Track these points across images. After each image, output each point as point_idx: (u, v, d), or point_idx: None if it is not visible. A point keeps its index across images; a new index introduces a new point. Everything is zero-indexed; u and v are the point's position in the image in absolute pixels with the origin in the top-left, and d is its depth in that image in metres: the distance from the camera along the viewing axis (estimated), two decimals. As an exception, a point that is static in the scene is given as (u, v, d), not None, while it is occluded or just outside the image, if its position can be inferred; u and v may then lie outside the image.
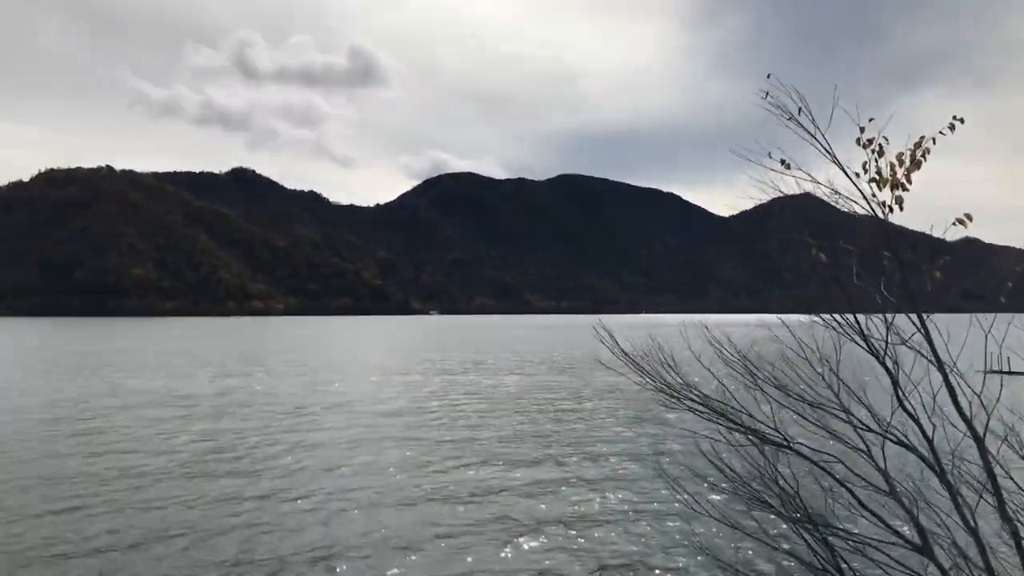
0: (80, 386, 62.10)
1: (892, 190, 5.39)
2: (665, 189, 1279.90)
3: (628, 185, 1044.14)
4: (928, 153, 5.38)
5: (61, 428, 40.70)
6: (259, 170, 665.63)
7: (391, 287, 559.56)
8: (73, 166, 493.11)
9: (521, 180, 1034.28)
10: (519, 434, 33.22)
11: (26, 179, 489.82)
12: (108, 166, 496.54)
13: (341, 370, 74.94)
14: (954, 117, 5.48)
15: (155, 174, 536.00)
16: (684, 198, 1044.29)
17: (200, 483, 26.20)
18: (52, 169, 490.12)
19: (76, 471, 29.57)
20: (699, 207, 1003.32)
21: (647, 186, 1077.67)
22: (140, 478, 28.20)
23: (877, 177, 5.49)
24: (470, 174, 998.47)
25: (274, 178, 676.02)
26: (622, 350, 6.61)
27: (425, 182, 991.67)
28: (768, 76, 5.66)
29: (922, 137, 5.43)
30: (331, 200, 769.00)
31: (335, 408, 44.03)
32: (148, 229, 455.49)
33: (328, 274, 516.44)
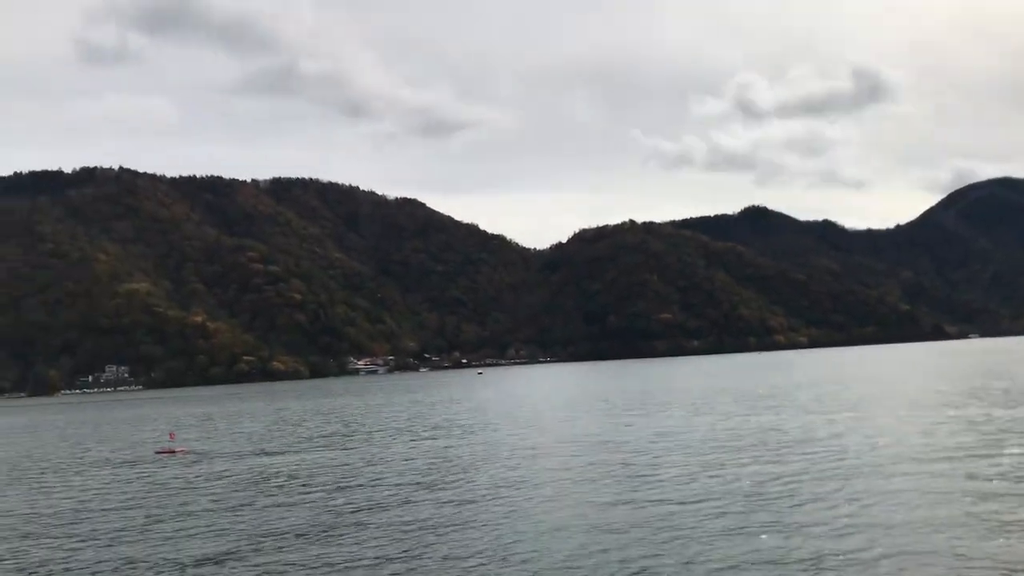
0: (615, 423, 68.64)
1: None
2: None
3: None
4: None
5: (604, 460, 45.71)
6: (770, 206, 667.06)
7: (920, 311, 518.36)
8: (601, 224, 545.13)
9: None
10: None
11: (564, 240, 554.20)
12: (631, 220, 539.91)
13: (888, 404, 71.57)
14: None
15: (672, 222, 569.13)
16: None
17: (742, 538, 27.97)
18: (584, 229, 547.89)
19: (621, 513, 33.22)
20: None
21: None
22: (691, 515, 30.73)
23: None
24: (1004, 179, 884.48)
25: (785, 211, 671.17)
26: None
27: (950, 195, 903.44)
28: None
29: None
30: (846, 227, 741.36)
31: (898, 452, 42.42)
32: (670, 274, 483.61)
33: (851, 302, 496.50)
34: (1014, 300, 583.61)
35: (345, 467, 50.37)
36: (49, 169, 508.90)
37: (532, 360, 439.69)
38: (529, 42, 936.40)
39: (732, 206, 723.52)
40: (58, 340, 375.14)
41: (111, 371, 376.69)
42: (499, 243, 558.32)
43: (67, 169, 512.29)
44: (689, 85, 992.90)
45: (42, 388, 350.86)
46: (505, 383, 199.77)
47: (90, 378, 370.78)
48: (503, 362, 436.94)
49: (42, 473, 58.08)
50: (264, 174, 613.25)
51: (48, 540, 33.32)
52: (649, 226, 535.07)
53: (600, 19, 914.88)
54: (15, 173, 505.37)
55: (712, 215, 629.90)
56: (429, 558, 25.99)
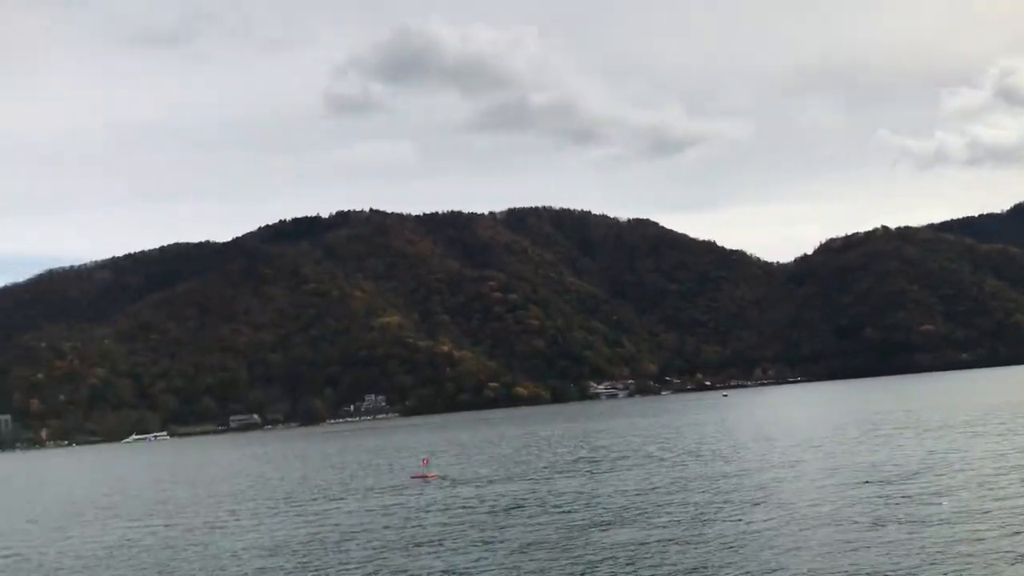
0: (884, 449, 61.54)
1: None
2: None
3: None
4: None
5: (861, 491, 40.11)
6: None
7: None
8: (850, 232, 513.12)
9: None
10: None
11: (809, 252, 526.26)
12: (883, 226, 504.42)
13: None
14: None
15: (930, 226, 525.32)
16: None
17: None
18: (831, 238, 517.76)
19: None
20: None
21: None
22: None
23: None
24: None
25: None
26: None
27: None
28: None
29: None
30: None
31: None
32: (931, 282, 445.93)
33: None
34: None
35: (593, 495, 48.16)
36: (308, 215, 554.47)
37: (780, 380, 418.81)
38: (757, 49, 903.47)
39: (1000, 204, 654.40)
40: (322, 374, 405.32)
41: (370, 400, 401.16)
42: (738, 258, 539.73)
43: (324, 214, 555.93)
44: (938, 77, 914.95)
45: (310, 418, 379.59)
46: (757, 405, 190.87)
47: (351, 407, 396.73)
48: (749, 383, 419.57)
49: (313, 498, 60.58)
50: (500, 205, 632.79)
51: (308, 559, 33.61)
52: (904, 231, 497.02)
53: (830, 18, 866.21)
54: (280, 221, 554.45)
55: (976, 215, 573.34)
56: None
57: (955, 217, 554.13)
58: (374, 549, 36.05)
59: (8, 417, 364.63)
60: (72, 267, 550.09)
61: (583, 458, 75.13)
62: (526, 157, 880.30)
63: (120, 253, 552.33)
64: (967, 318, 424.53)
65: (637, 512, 40.18)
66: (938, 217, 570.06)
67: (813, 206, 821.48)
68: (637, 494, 46.70)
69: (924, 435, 68.79)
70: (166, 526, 51.37)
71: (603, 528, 36.56)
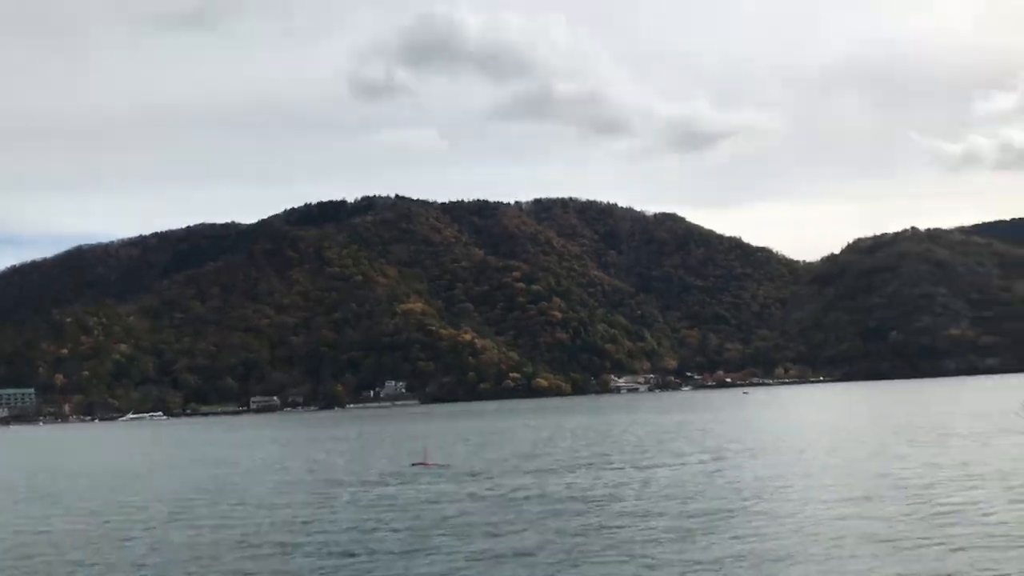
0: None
1: None
2: None
3: None
4: None
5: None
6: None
7: None
8: (878, 233, 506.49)
9: None
10: None
11: (837, 252, 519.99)
12: (912, 227, 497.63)
13: None
14: None
15: (960, 228, 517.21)
16: None
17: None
18: (859, 239, 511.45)
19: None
20: None
21: None
22: None
23: None
24: None
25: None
26: None
27: None
28: None
29: None
30: None
31: None
32: (961, 285, 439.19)
33: None
34: None
35: (592, 490, 47.36)
36: (334, 199, 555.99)
37: (802, 379, 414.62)
38: (790, 44, 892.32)
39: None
40: (343, 358, 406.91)
41: (390, 386, 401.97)
42: (764, 256, 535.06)
43: (350, 199, 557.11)
44: (971, 79, 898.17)
45: (330, 402, 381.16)
46: (777, 404, 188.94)
47: (371, 392, 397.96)
48: (769, 381, 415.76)
49: (327, 484, 60.25)
50: (526, 195, 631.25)
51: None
52: (933, 233, 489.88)
53: (866, 16, 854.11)
54: (305, 204, 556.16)
55: (1008, 219, 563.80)
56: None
57: (985, 220, 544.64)
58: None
59: (32, 391, 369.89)
60: (99, 244, 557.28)
61: (593, 453, 74.28)
62: (552, 147, 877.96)
63: (147, 232, 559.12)
64: (995, 323, 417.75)
65: (634, 513, 39.36)
66: (968, 220, 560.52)
67: (841, 205, 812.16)
68: (637, 497, 45.88)
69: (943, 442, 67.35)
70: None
71: (587, 530, 35.78)
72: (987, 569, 24.90)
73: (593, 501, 43.04)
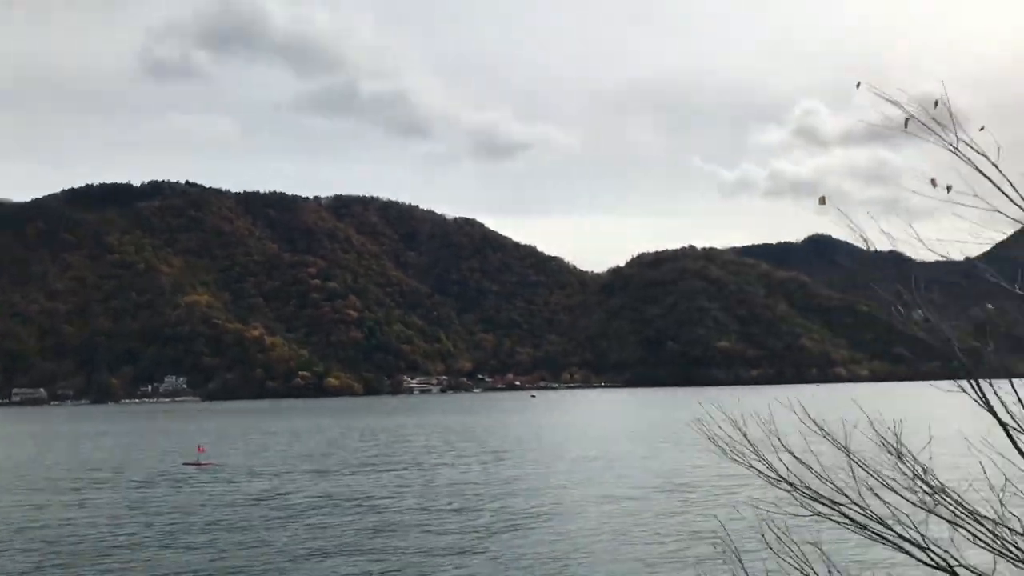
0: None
1: None
2: None
3: None
4: None
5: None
6: (835, 235, 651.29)
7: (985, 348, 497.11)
8: (660, 249, 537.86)
9: None
10: None
11: (622, 264, 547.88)
12: (691, 245, 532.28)
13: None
14: None
15: (733, 249, 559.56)
16: None
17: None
18: (643, 253, 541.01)
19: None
20: None
21: None
22: None
23: None
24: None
25: (851, 241, 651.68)
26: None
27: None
28: None
29: None
30: (914, 258, 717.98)
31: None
32: (730, 302, 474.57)
33: (916, 336, 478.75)
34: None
35: (372, 491, 48.21)
36: (119, 182, 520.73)
37: (586, 384, 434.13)
38: (592, 64, 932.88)
39: (796, 234, 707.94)
40: (121, 349, 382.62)
41: (170, 381, 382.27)
42: (556, 265, 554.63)
43: (136, 183, 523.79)
44: (749, 112, 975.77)
45: (104, 396, 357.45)
46: (560, 408, 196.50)
47: (150, 387, 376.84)
48: (556, 385, 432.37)
49: (87, 484, 57.18)
50: (326, 191, 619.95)
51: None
52: (709, 252, 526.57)
53: (663, 43, 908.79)
54: (87, 185, 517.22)
55: (774, 243, 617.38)
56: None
57: (755, 243, 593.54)
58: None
59: None
60: None
61: (379, 454, 74.93)
62: (355, 145, 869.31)
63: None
64: (759, 338, 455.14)
65: (417, 517, 40.52)
66: (740, 242, 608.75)
67: (629, 220, 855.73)
68: (418, 496, 47.11)
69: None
70: None
71: (357, 531, 36.62)
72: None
73: (370, 502, 43.91)
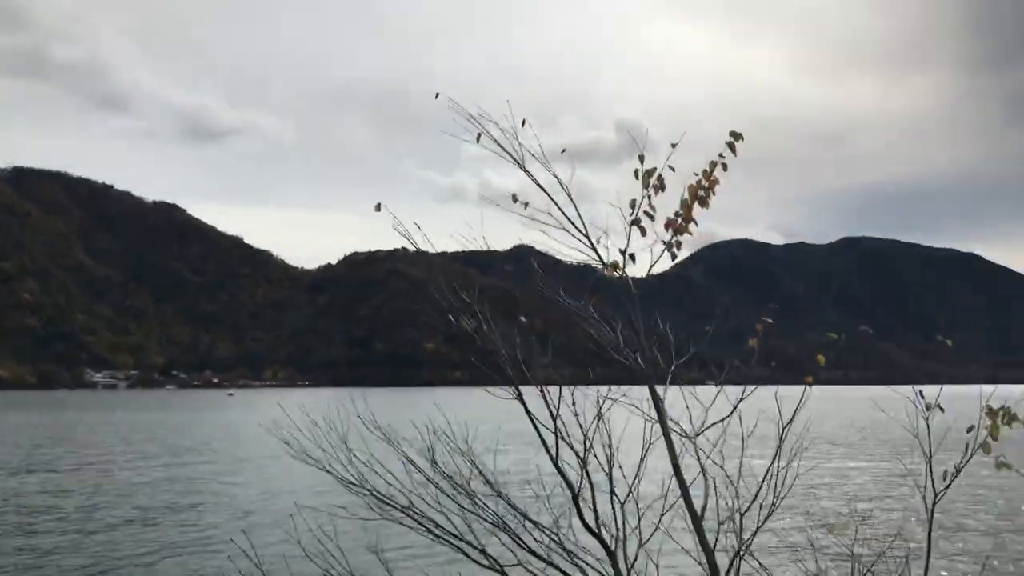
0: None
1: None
2: (963, 249, 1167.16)
3: (921, 246, 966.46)
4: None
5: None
6: (538, 246, 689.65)
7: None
8: (373, 248, 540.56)
9: (800, 244, 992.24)
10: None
11: (333, 262, 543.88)
12: (404, 247, 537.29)
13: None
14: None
15: (444, 254, 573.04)
16: (986, 258, 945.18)
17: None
18: (355, 252, 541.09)
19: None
20: (1006, 267, 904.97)
21: (941, 246, 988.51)
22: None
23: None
24: (744, 240, 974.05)
25: (551, 252, 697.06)
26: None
27: (699, 250, 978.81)
28: None
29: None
30: (604, 274, 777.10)
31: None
32: (438, 305, 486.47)
33: (597, 349, 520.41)
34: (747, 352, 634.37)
35: (29, 495, 44.51)
36: None
37: (290, 383, 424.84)
38: (311, 57, 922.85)
39: (503, 243, 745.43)
40: None
41: None
42: (264, 259, 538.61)
43: None
44: (463, 122, 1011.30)
45: None
46: (255, 407, 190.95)
47: None
48: (257, 383, 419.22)
49: None
50: (4, 161, 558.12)
51: None
52: (426, 256, 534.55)
53: (382, 46, 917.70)
54: None
55: (483, 250, 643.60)
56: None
57: (466, 250, 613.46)
58: None
59: None
60: None
61: (46, 454, 68.80)
62: (43, 113, 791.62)
63: None
64: (463, 341, 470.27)
65: (73, 514, 37.94)
66: (453, 247, 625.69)
67: (342, 218, 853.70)
68: (87, 495, 44.08)
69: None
70: None
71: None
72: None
73: (25, 506, 40.56)
